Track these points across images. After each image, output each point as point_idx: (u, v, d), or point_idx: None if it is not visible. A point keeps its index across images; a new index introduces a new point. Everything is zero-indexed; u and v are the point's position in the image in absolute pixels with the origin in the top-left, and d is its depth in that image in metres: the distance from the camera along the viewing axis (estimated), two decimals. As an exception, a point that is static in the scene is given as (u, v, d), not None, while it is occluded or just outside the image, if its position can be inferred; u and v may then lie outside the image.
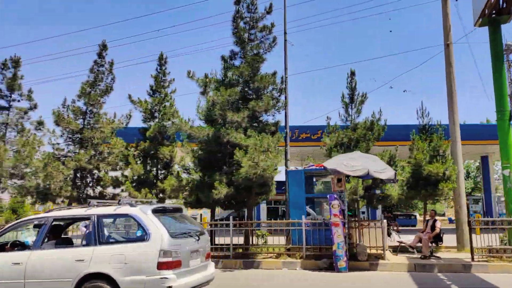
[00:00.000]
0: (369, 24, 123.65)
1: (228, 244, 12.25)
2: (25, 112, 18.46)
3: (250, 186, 12.53)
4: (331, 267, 10.67)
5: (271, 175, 12.29)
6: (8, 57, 18.56)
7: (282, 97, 14.08)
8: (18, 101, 18.46)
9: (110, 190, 16.67)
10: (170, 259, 5.76)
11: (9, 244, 7.02)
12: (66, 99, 16.47)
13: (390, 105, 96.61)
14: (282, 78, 14.15)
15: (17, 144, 17.50)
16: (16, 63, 18.58)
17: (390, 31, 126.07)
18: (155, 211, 6.24)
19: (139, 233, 6.28)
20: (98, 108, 16.81)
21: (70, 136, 16.43)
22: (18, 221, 7.20)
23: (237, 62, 13.95)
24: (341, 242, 10.46)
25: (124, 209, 6.37)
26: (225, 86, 13.28)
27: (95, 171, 16.53)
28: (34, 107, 18.63)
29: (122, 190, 15.96)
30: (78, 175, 16.26)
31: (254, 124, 13.67)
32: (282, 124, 14.73)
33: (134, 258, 5.75)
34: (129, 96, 16.12)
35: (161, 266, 5.69)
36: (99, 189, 16.64)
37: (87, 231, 6.34)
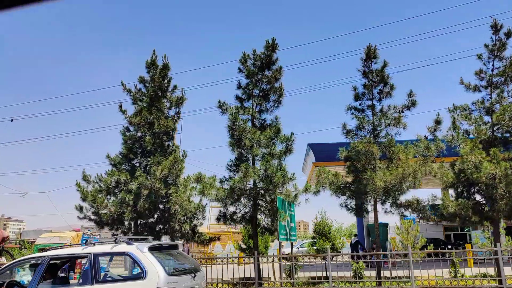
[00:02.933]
0: None
1: None
2: (401, 111, 13.58)
3: None
4: None
5: None
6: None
7: None
8: (379, 99, 13.67)
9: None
10: None
11: (5, 284, 6.82)
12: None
13: None
14: None
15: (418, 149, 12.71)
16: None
17: None
18: (151, 249, 6.29)
19: (135, 271, 6.40)
20: None
21: None
22: (15, 260, 7.14)
23: None
24: None
25: (121, 247, 6.37)
26: None
27: None
28: (411, 104, 13.43)
29: None
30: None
31: None
32: None
33: None
34: None
35: None
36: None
37: (83, 268, 6.37)
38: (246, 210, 12.87)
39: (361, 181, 11.88)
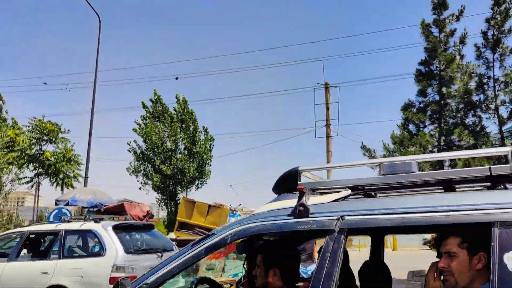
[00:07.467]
0: None
1: None
2: None
3: None
4: None
5: None
6: None
7: None
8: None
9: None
10: (122, 275, 5.88)
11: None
12: None
13: None
14: None
15: None
16: None
17: None
18: (116, 227, 6.71)
19: (96, 249, 6.99)
20: None
21: None
22: (1, 234, 8.05)
23: None
24: None
25: (89, 225, 6.87)
26: None
27: None
28: None
29: None
30: None
31: None
32: None
33: (90, 272, 6.25)
34: None
35: (113, 281, 5.90)
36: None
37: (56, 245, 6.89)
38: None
39: None
